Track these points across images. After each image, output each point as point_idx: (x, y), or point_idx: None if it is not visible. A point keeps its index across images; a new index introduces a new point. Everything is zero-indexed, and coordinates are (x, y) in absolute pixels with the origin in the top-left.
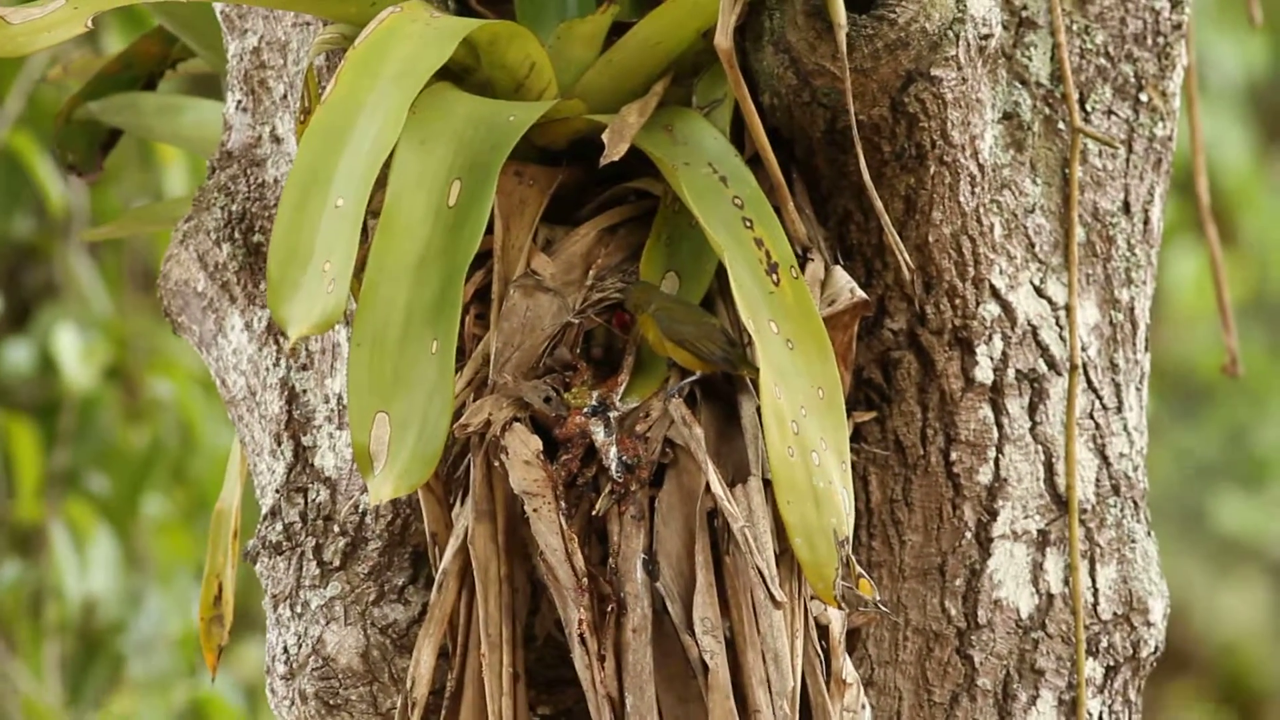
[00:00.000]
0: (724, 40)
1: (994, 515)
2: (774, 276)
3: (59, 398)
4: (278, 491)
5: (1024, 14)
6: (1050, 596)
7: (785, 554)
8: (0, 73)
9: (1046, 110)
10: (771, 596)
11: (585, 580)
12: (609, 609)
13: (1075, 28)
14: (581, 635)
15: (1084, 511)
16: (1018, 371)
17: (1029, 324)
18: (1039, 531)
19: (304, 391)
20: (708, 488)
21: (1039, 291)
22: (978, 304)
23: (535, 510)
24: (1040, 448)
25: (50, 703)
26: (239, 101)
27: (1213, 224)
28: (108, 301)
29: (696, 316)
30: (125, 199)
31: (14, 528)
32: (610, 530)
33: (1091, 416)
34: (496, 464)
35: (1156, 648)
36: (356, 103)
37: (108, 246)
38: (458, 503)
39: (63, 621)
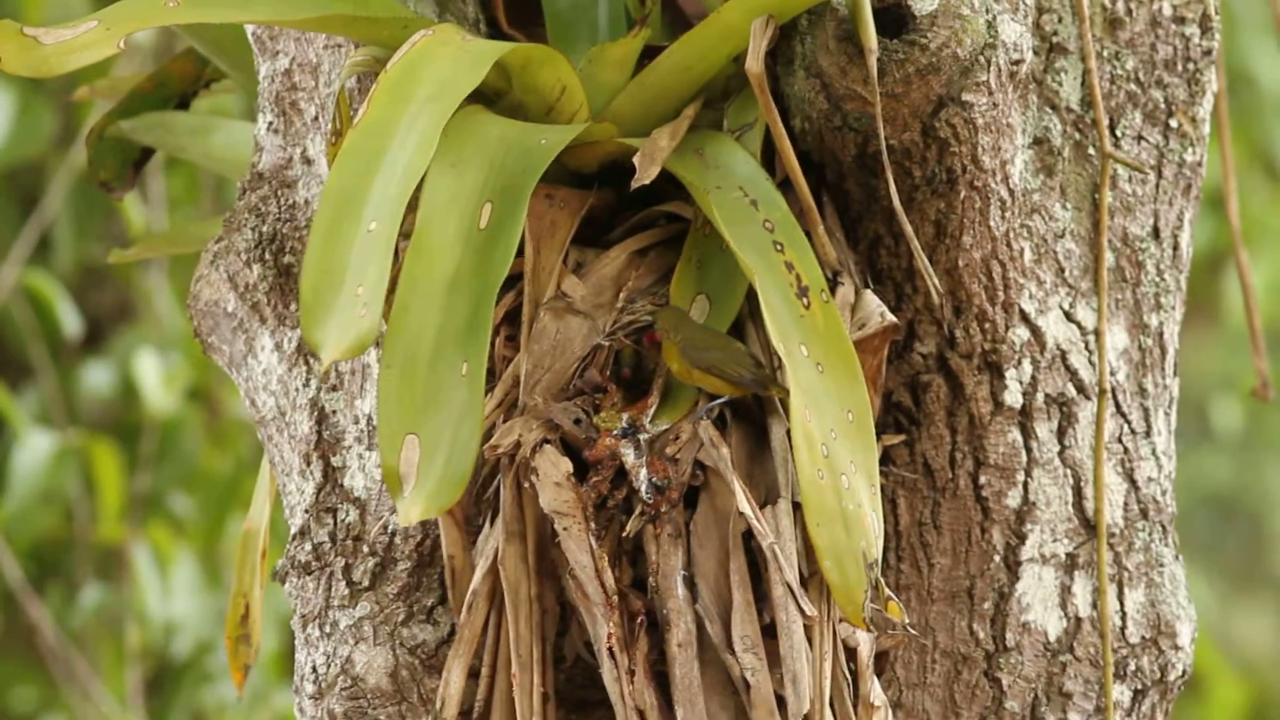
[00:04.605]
0: (755, 65)
1: (1022, 539)
2: (804, 300)
3: (139, 420)
4: (307, 511)
5: (1055, 40)
6: (1078, 620)
7: (814, 577)
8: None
9: (1077, 135)
10: (801, 609)
11: (615, 597)
12: (639, 622)
13: (1106, 54)
14: (611, 650)
15: (1112, 535)
16: (1047, 396)
17: (1058, 348)
18: (1067, 555)
19: (334, 412)
20: (739, 509)
21: (1068, 316)
22: (1007, 328)
23: (565, 529)
24: (1069, 472)
25: None
26: (270, 123)
27: (1243, 248)
28: (182, 322)
29: (721, 342)
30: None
31: (95, 549)
32: (648, 550)
33: (1120, 441)
34: (527, 485)
35: (1184, 671)
36: (389, 125)
37: (180, 268)
38: (487, 524)
39: (145, 646)
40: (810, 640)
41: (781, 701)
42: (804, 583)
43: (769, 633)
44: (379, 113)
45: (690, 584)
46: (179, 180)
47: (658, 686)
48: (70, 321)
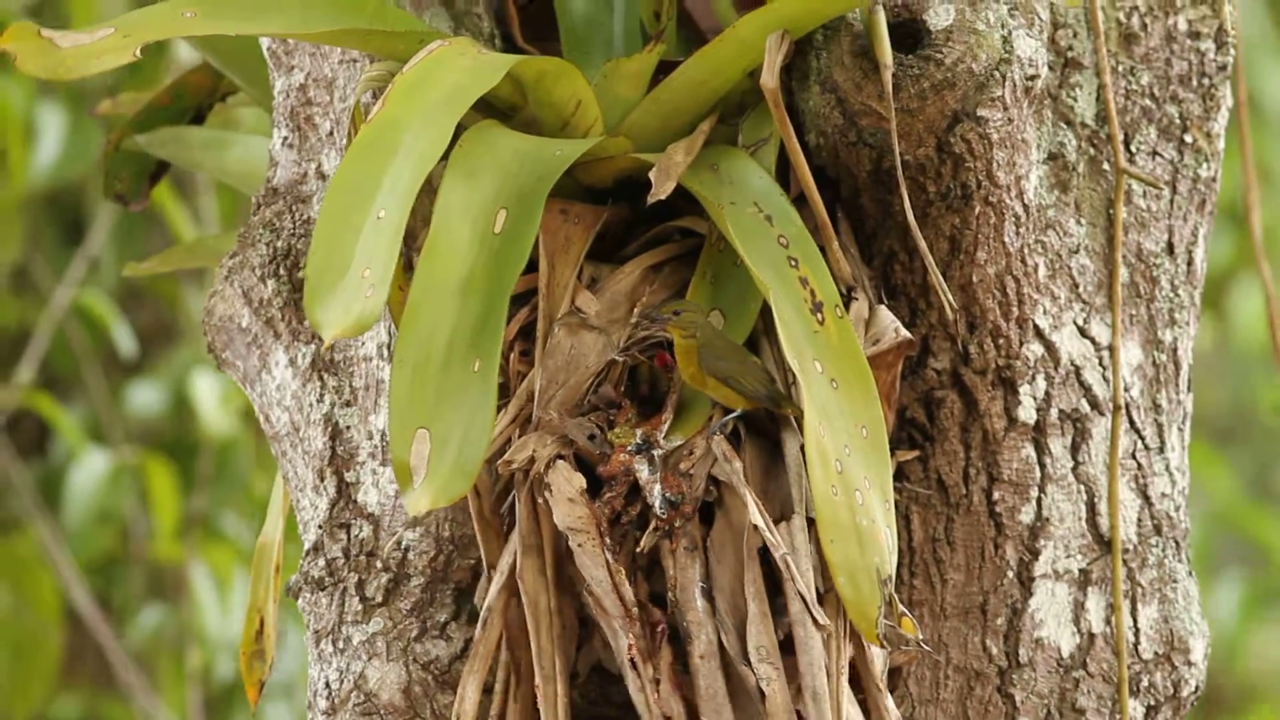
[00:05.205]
0: (770, 80)
1: (1036, 554)
2: (819, 315)
3: (191, 439)
4: (320, 527)
5: (1070, 55)
6: (1091, 636)
7: (829, 593)
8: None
9: (1091, 151)
10: (814, 619)
11: (635, 609)
12: (660, 630)
13: (1121, 69)
14: (632, 660)
15: (1126, 551)
16: (1061, 411)
17: (1072, 364)
18: (1081, 571)
19: (347, 428)
20: (752, 521)
21: (1082, 332)
22: (1021, 344)
23: (579, 545)
24: (1082, 487)
25: None
26: (285, 138)
27: (1266, 262)
28: None
29: (739, 354)
30: None
31: (151, 567)
32: (666, 565)
33: (1134, 457)
34: (540, 501)
35: (1197, 687)
36: (403, 121)
37: None
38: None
39: (206, 666)
40: (827, 655)
41: (798, 714)
42: (820, 598)
43: (785, 647)
44: (393, 110)
45: (709, 596)
46: (228, 198)
47: (682, 697)
48: (125, 340)
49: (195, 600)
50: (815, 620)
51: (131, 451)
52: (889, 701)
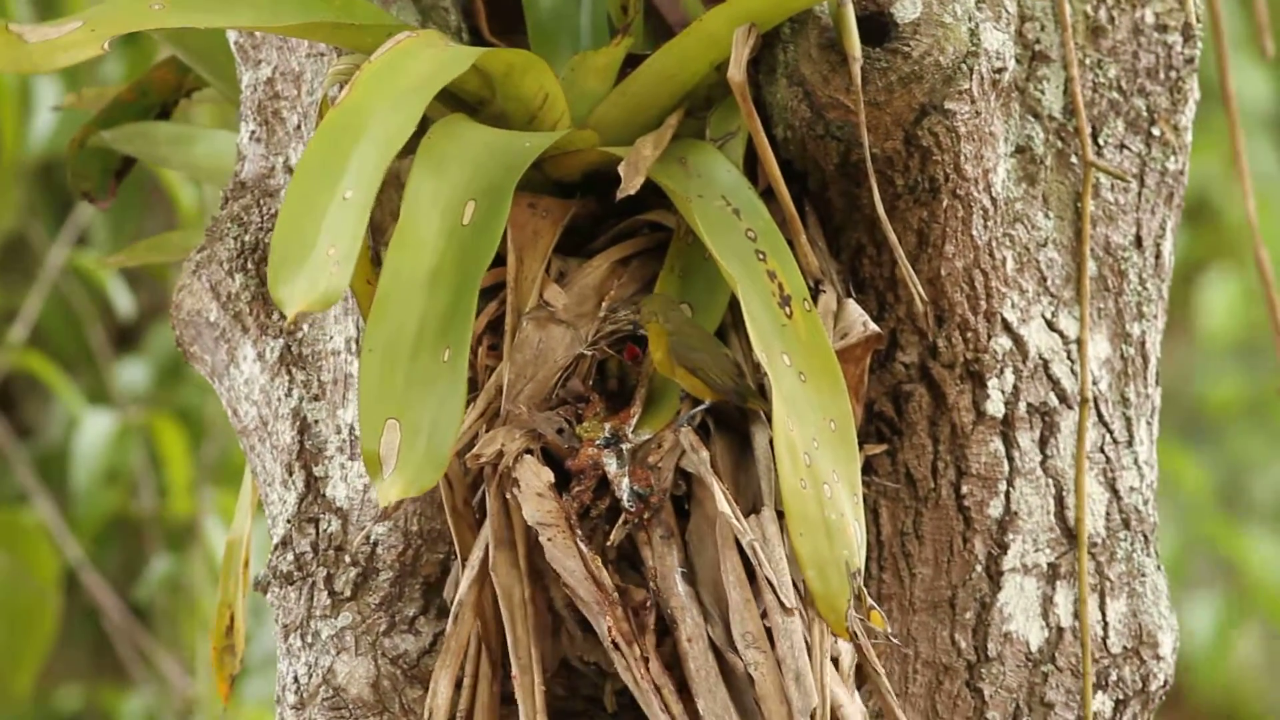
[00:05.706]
0: (737, 73)
1: (1004, 548)
2: (787, 309)
3: (189, 407)
4: (289, 522)
5: (1037, 48)
6: (1060, 630)
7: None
8: None
9: (1059, 144)
10: (781, 603)
11: (614, 594)
12: (647, 605)
13: (1088, 61)
14: (615, 643)
15: (1094, 545)
16: (1029, 405)
17: (1040, 358)
18: (1049, 565)
19: (316, 422)
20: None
21: (1051, 325)
22: (989, 337)
23: (550, 540)
24: (1051, 481)
25: (200, 696)
26: (253, 132)
27: (1265, 248)
28: None
29: (710, 345)
30: None
31: (165, 524)
32: (644, 554)
33: (1102, 450)
34: (509, 497)
35: (1166, 681)
36: (370, 107)
37: None
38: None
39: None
40: (809, 646)
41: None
42: (797, 591)
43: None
44: (360, 96)
45: (691, 582)
46: None
47: (672, 675)
48: (123, 300)
49: (207, 549)
50: (782, 605)
51: (138, 411)
52: (857, 697)
